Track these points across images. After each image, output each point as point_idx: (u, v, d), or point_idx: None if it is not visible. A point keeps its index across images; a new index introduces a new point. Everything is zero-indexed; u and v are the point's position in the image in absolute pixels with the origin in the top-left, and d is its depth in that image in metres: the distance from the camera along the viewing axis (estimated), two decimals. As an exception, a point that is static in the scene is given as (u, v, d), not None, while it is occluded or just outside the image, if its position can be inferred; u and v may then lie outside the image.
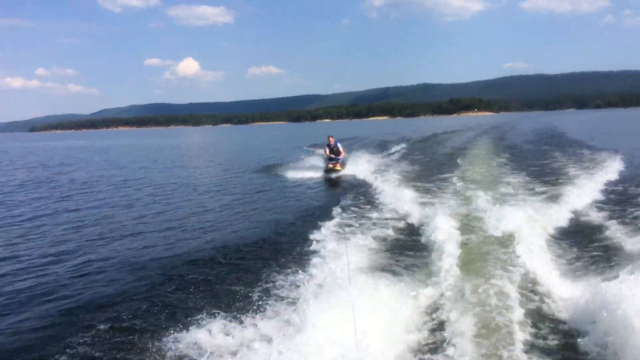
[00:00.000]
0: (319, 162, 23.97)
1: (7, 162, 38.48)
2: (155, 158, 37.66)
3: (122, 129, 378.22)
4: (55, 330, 6.05)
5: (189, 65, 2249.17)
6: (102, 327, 5.98)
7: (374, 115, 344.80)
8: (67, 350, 5.46)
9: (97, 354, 5.36)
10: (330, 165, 20.55)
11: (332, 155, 20.99)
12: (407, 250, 8.71)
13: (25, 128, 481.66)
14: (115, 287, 7.50)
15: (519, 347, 4.89)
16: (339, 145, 21.25)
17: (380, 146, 35.69)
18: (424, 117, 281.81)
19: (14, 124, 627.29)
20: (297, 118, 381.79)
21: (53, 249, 9.94)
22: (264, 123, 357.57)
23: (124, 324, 6.04)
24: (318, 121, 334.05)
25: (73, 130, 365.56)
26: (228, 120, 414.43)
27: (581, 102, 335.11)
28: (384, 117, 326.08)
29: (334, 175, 19.90)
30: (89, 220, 12.82)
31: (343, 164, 20.99)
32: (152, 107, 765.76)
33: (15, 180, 23.33)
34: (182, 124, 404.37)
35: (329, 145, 21.22)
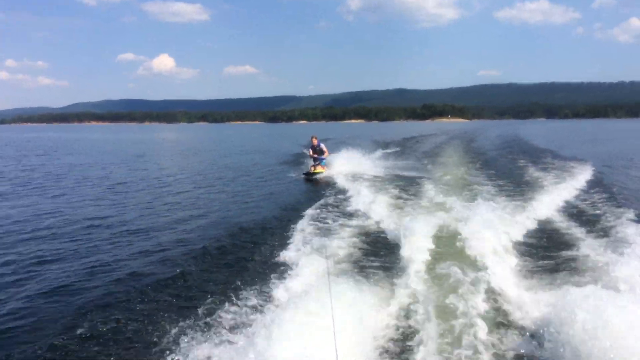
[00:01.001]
0: (301, 162, 24.17)
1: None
2: (135, 155, 36.81)
3: (94, 123, 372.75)
4: (37, 333, 5.98)
5: (164, 62, 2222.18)
6: (76, 331, 5.92)
7: (349, 118, 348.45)
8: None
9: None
10: (312, 169, 20.56)
11: (316, 155, 21.00)
12: (377, 256, 8.81)
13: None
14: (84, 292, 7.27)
15: (483, 353, 5.10)
16: (322, 145, 21.30)
17: (358, 149, 37.26)
18: (398, 122, 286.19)
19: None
20: (273, 118, 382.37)
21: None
22: (240, 122, 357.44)
23: (90, 333, 5.83)
24: (294, 122, 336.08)
25: (44, 124, 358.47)
26: (204, 118, 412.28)
27: (551, 112, 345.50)
28: (359, 120, 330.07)
29: (313, 178, 19.91)
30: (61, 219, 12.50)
31: (326, 165, 21.02)
32: (126, 102, 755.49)
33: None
34: (156, 120, 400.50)
35: (312, 146, 21.30)
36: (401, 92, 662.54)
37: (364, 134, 70.61)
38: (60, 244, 9.98)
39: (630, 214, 11.14)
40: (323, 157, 21.13)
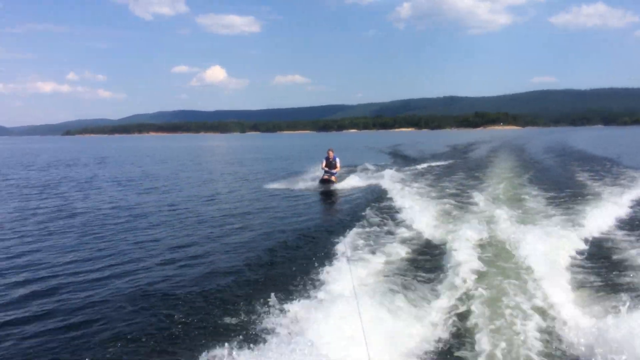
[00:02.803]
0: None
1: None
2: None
3: (153, 134, 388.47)
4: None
5: (216, 73, 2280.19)
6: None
7: (399, 127, 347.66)
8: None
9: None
10: (326, 177, 20.70)
11: (327, 169, 21.14)
12: (421, 269, 8.50)
13: (59, 131, 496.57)
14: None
15: None
16: (337, 160, 21.34)
17: (404, 158, 35.84)
18: (449, 130, 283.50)
19: (46, 127, 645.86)
20: (324, 127, 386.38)
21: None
22: (291, 132, 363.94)
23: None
24: (344, 131, 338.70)
25: (107, 135, 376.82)
26: (255, 128, 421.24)
27: (609, 119, 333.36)
28: (410, 129, 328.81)
29: (330, 187, 20.02)
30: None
31: (337, 178, 21.13)
32: (180, 113, 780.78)
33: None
34: (210, 130, 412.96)
35: (327, 158, 21.29)
36: (451, 100, 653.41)
37: (414, 142, 69.88)
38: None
39: None
40: (334, 171, 21.17)
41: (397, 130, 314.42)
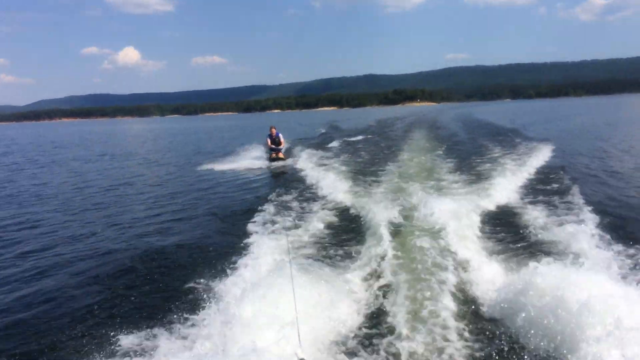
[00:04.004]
0: (260, 152, 24.24)
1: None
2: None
3: (65, 120, 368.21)
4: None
5: (129, 55, 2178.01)
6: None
7: (322, 106, 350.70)
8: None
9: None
10: (274, 155, 21.34)
11: (273, 146, 21.74)
12: (341, 241, 8.92)
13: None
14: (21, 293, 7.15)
15: (451, 332, 5.22)
16: (280, 135, 21.97)
17: (325, 136, 35.75)
18: (370, 107, 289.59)
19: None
20: (247, 109, 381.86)
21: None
22: (214, 114, 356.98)
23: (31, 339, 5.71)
24: (268, 112, 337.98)
25: (14, 123, 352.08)
26: (176, 110, 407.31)
27: (516, 93, 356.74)
28: (332, 108, 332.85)
29: (278, 164, 20.56)
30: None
31: (285, 153, 21.98)
32: (92, 97, 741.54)
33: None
34: (129, 114, 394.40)
35: (270, 136, 21.87)
36: (371, 78, 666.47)
37: (337, 120, 68.37)
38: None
39: (580, 190, 11.75)
40: (280, 147, 21.87)
41: (320, 109, 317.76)
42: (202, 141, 44.66)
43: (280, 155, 21.44)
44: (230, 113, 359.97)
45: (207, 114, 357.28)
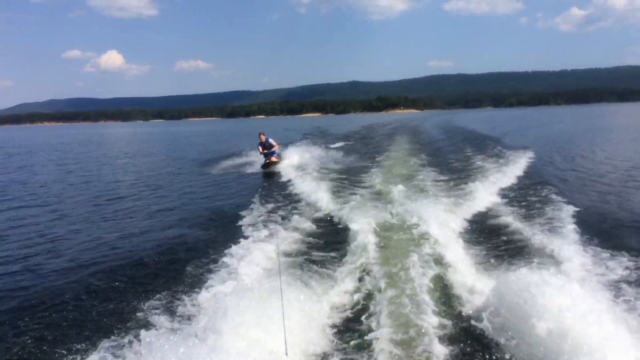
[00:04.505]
0: (252, 157, 24.31)
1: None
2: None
3: (47, 124, 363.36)
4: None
5: (112, 58, 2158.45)
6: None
7: (307, 112, 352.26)
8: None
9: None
10: (267, 161, 20.88)
11: (266, 151, 21.31)
12: (326, 244, 9.06)
13: None
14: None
15: (432, 337, 5.25)
16: (270, 140, 21.50)
17: (312, 142, 35.58)
18: (354, 114, 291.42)
19: None
20: (231, 114, 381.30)
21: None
22: (197, 119, 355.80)
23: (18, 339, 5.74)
24: (252, 117, 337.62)
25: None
26: (160, 115, 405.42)
27: (498, 101, 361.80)
28: (316, 114, 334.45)
29: (272, 169, 20.33)
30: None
31: (279, 156, 21.58)
32: (74, 101, 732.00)
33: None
34: (111, 119, 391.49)
35: (260, 143, 21.46)
36: (355, 85, 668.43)
37: (321, 127, 69.96)
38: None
39: (562, 197, 12.16)
40: (274, 149, 21.52)
41: (304, 115, 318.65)
42: (191, 145, 44.67)
43: (274, 159, 21.06)
44: (214, 118, 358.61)
45: (191, 119, 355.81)
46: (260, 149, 21.51)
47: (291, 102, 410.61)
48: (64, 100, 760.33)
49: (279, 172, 19.46)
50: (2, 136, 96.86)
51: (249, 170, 21.20)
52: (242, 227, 10.41)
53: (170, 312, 6.19)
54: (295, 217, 11.23)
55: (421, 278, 6.76)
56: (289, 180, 16.82)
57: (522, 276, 5.79)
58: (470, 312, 6.00)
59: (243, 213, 11.83)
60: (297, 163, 20.98)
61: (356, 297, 6.58)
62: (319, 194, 13.38)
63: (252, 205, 12.65)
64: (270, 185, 16.74)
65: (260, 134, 21.81)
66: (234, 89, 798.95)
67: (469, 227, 9.97)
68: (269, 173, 19.99)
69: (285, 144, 29.18)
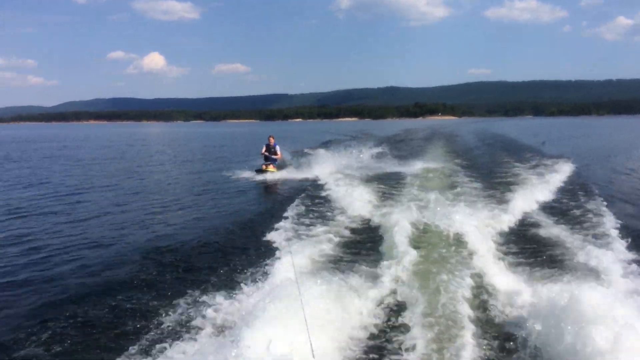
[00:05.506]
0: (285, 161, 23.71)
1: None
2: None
3: (92, 122, 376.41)
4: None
5: (154, 60, 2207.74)
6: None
7: (343, 116, 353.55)
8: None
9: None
10: (264, 167, 20.48)
11: (268, 154, 21.25)
12: (359, 253, 8.78)
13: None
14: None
15: (467, 346, 5.15)
16: (277, 147, 21.44)
17: (348, 145, 34.54)
18: (391, 119, 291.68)
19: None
20: (269, 117, 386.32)
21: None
22: (236, 121, 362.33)
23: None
24: (289, 120, 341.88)
25: (43, 123, 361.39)
26: (199, 116, 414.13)
27: (539, 110, 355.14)
28: (353, 118, 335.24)
29: (267, 177, 19.69)
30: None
31: (277, 167, 20.99)
32: (117, 101, 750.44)
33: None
34: (153, 119, 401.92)
35: (267, 145, 21.41)
36: (392, 90, 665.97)
37: (362, 130, 69.88)
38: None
39: (607, 208, 11.72)
40: (274, 157, 21.28)
41: (341, 119, 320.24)
42: (237, 145, 45.60)
43: (271, 168, 20.45)
44: (252, 120, 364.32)
45: (229, 121, 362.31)
46: (264, 150, 21.51)
47: (329, 107, 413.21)
48: (107, 100, 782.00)
49: (315, 177, 18.74)
50: (66, 133, 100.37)
51: (291, 175, 20.42)
52: (269, 232, 10.14)
53: (196, 312, 6.18)
54: (327, 221, 11.14)
55: (457, 287, 6.61)
56: (325, 184, 16.63)
57: (562, 288, 5.71)
58: (508, 324, 5.88)
59: (278, 215, 11.71)
60: (330, 168, 20.33)
61: (388, 303, 6.49)
62: (351, 199, 13.16)
63: (287, 209, 12.47)
64: (305, 188, 16.28)
65: (270, 137, 21.91)
66: (271, 92, 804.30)
67: (507, 236, 9.81)
68: (265, 178, 19.42)
69: (320, 147, 29.47)
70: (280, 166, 21.79)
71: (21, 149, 43.24)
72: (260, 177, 19.70)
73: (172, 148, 45.47)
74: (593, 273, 7.25)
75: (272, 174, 19.99)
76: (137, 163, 28.83)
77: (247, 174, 20.38)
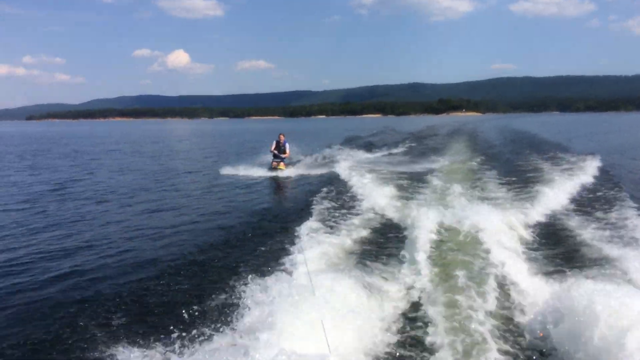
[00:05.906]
0: (308, 160, 24.02)
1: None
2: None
3: (119, 119, 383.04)
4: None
5: (179, 57, 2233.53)
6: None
7: (367, 113, 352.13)
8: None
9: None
10: (274, 164, 20.74)
11: (277, 152, 21.32)
12: (379, 251, 8.66)
13: (17, 116, 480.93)
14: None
15: (490, 344, 5.13)
16: (287, 145, 21.48)
17: (370, 143, 34.85)
18: (414, 116, 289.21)
19: (4, 112, 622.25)
20: (292, 113, 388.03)
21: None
22: (260, 118, 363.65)
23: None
24: (313, 117, 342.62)
25: (71, 120, 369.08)
26: (224, 113, 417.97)
27: (564, 105, 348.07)
28: (376, 115, 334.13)
29: (278, 173, 20.00)
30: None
31: (286, 165, 21.07)
32: (142, 98, 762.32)
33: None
34: (178, 116, 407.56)
35: (277, 142, 21.47)
36: (415, 86, 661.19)
37: (386, 126, 68.20)
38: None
39: (637, 206, 11.32)
40: (283, 156, 21.29)
41: (364, 116, 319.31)
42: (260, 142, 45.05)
43: (281, 166, 20.68)
44: (276, 117, 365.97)
45: (254, 117, 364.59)
46: (273, 147, 21.50)
47: (352, 103, 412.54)
48: (133, 97, 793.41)
49: (335, 173, 18.76)
50: (103, 130, 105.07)
51: (316, 171, 20.55)
52: (296, 228, 9.94)
53: (195, 326, 5.81)
54: (346, 217, 11.00)
55: (479, 286, 6.49)
56: (345, 181, 16.55)
57: (588, 287, 5.63)
58: (531, 323, 5.80)
59: (301, 213, 11.65)
60: (350, 163, 20.60)
61: (408, 301, 6.44)
62: (373, 196, 12.98)
63: (304, 206, 12.47)
64: (324, 185, 16.05)
65: (280, 135, 21.87)
66: (295, 89, 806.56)
67: (533, 233, 9.61)
68: (283, 177, 19.54)
69: (342, 143, 29.55)
70: (295, 163, 22.34)
71: (81, 144, 45.75)
72: (271, 174, 20.03)
73: (212, 144, 47.35)
74: (619, 272, 7.05)
75: (282, 172, 20.24)
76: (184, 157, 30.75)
77: (260, 172, 20.39)
